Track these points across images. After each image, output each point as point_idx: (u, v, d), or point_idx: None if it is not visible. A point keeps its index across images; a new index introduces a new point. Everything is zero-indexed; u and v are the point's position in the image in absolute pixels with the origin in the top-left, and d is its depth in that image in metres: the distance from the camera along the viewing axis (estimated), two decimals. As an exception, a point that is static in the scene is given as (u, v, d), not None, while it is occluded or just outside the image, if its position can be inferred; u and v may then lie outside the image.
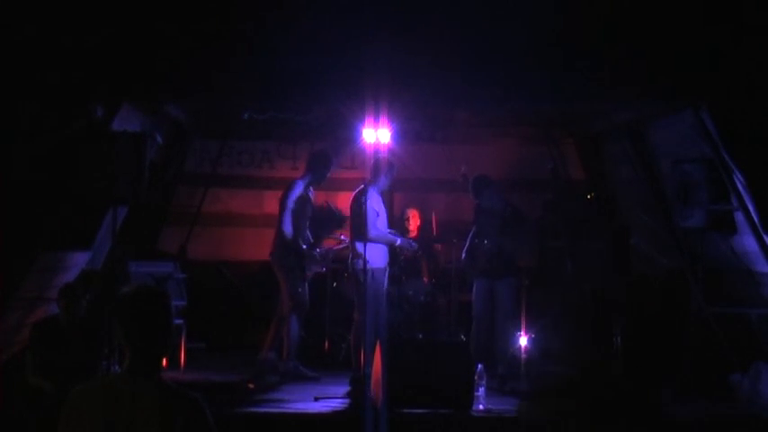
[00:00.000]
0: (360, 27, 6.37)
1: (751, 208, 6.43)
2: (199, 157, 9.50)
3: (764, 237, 6.38)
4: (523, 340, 6.86)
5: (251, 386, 6.81)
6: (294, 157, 9.48)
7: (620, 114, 7.86)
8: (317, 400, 6.31)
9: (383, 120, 7.06)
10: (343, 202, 9.25)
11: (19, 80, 6.16)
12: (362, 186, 7.02)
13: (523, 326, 6.89)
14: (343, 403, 6.29)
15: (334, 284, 8.40)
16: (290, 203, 7.21)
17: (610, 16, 6.41)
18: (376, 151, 7.19)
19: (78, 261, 7.17)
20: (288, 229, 7.18)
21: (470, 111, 8.10)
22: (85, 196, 6.60)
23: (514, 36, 6.34)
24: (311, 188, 7.47)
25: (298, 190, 7.28)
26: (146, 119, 7.29)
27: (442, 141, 9.22)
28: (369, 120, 7.14)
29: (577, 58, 6.49)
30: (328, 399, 6.34)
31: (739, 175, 6.48)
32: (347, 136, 9.43)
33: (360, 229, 6.75)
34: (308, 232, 7.46)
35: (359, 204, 6.92)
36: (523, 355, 6.83)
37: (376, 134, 7.23)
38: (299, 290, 7.19)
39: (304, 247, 7.27)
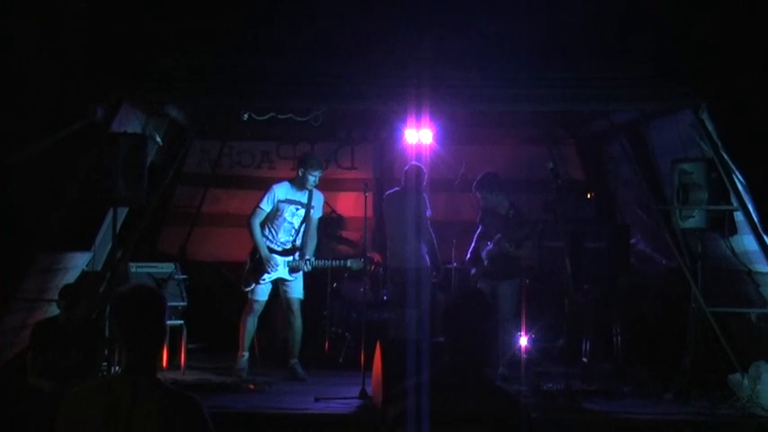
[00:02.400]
0: (398, 25, 6.40)
1: (751, 208, 6.43)
2: (199, 158, 9.49)
3: (764, 237, 6.37)
4: (524, 340, 6.86)
5: (251, 387, 6.82)
6: (294, 157, 9.46)
7: (620, 114, 7.86)
8: (317, 400, 6.31)
9: (425, 120, 7.20)
10: (344, 202, 9.26)
11: (19, 80, 6.16)
12: (397, 189, 7.47)
13: (523, 326, 6.89)
14: (343, 404, 6.28)
15: (334, 285, 8.39)
16: (261, 203, 7.27)
17: (610, 17, 6.42)
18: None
19: (78, 262, 7.17)
20: (250, 226, 7.26)
21: (479, 110, 8.08)
22: (85, 196, 6.60)
23: (518, 37, 6.35)
24: (296, 191, 7.36)
25: (271, 192, 7.31)
26: (146, 119, 7.28)
27: (442, 141, 9.20)
28: (411, 120, 7.37)
29: (578, 59, 6.51)
30: (329, 399, 6.34)
31: (739, 175, 6.48)
32: (347, 136, 9.49)
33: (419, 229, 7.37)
34: (282, 236, 7.35)
35: (403, 206, 7.33)
36: (524, 356, 6.84)
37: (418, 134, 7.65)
38: (249, 287, 7.28)
39: (267, 248, 7.26)
